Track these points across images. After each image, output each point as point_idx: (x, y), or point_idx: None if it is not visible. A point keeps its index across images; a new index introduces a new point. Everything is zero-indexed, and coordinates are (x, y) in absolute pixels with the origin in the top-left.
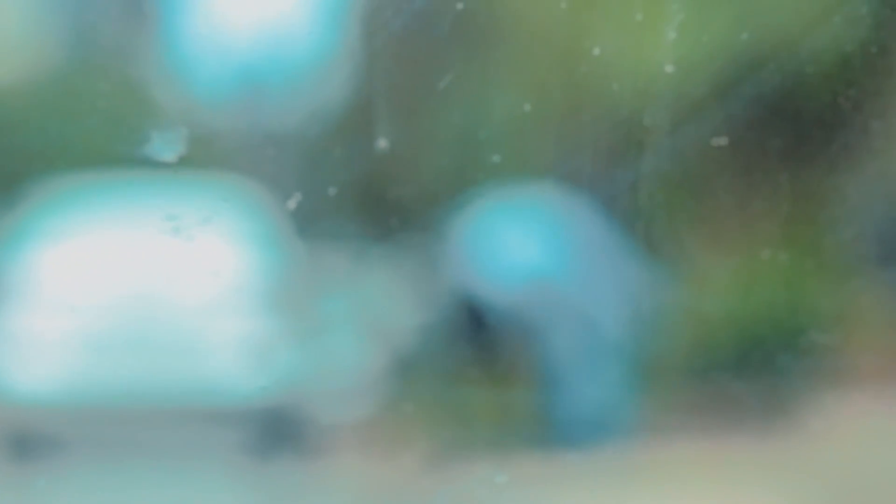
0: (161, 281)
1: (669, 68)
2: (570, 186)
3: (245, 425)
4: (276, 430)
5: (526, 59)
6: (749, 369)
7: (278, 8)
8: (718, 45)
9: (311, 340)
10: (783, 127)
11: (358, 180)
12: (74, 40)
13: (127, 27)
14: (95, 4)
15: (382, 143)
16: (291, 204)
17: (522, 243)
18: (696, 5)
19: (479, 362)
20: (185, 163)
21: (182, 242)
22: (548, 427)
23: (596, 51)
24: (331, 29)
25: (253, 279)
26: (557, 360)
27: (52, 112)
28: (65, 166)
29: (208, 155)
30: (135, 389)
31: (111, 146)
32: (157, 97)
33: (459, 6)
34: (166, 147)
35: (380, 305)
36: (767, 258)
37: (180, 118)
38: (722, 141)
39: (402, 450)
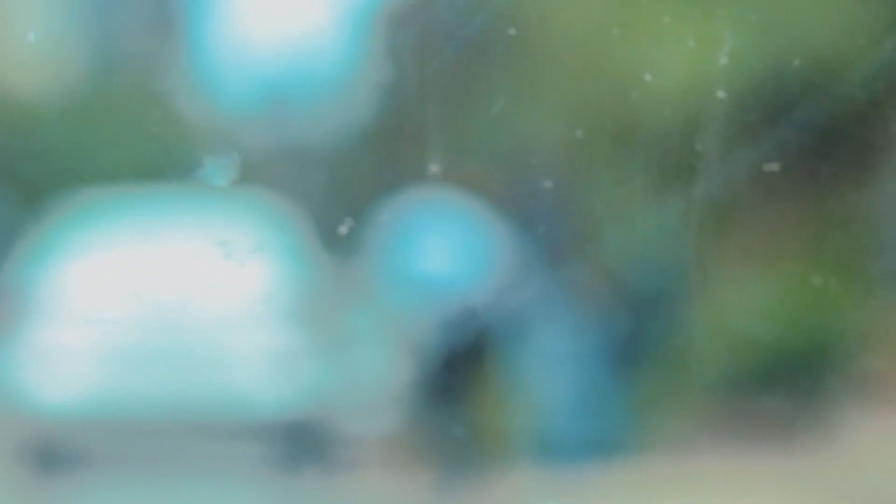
0: (190, 294)
1: (721, 94)
2: (621, 211)
3: (271, 438)
4: (302, 444)
5: (578, 85)
6: (785, 389)
7: (319, 25)
8: (770, 71)
9: (339, 354)
10: (834, 152)
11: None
12: (103, 56)
13: (156, 42)
14: (122, 20)
15: (434, 169)
16: (343, 229)
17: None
18: (747, 31)
19: (504, 380)
20: (235, 184)
21: (226, 264)
22: (568, 443)
23: (648, 76)
24: (371, 52)
25: (282, 294)
26: (562, 374)
27: (90, 127)
28: (102, 182)
29: (255, 177)
30: (162, 402)
31: (156, 166)
32: (201, 119)
33: (511, 32)
34: (219, 172)
35: (408, 322)
36: (818, 283)
37: (226, 140)
38: (773, 167)
39: (430, 466)
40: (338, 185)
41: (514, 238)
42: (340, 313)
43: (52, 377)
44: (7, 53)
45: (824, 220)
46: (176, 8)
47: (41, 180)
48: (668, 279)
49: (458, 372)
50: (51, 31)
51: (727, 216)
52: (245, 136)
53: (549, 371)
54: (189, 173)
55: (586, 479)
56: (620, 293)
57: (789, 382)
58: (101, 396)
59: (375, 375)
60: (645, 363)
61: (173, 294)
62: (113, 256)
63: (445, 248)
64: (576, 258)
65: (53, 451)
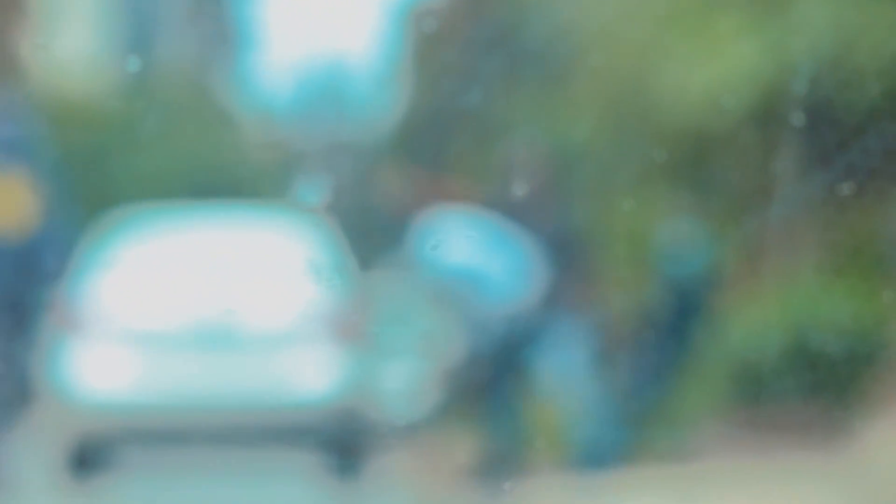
0: (241, 303)
1: (797, 119)
2: (702, 231)
3: (308, 433)
4: (337, 436)
5: (660, 112)
6: (844, 396)
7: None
8: (845, 98)
9: (376, 359)
10: None
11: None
12: (196, 83)
13: (215, 56)
14: (177, 33)
15: (517, 191)
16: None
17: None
18: (824, 59)
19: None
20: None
21: (305, 280)
22: (598, 447)
23: (727, 102)
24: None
25: (329, 305)
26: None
27: (186, 150)
28: (196, 199)
29: (338, 199)
30: (214, 398)
31: (252, 185)
32: (294, 144)
33: (596, 60)
34: (311, 192)
35: (439, 330)
36: (889, 300)
37: (314, 164)
38: (847, 188)
39: (456, 461)
40: (403, 208)
41: (574, 256)
42: (392, 323)
43: (114, 377)
44: (109, 80)
45: (892, 238)
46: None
47: (138, 198)
48: (732, 293)
49: (495, 378)
50: (149, 60)
51: (801, 235)
52: (322, 158)
53: (581, 379)
54: (283, 193)
55: (616, 482)
56: (689, 305)
57: (851, 391)
58: (153, 395)
59: (407, 377)
60: (710, 370)
61: (224, 302)
62: (194, 269)
63: (500, 265)
64: (651, 276)
65: (106, 447)
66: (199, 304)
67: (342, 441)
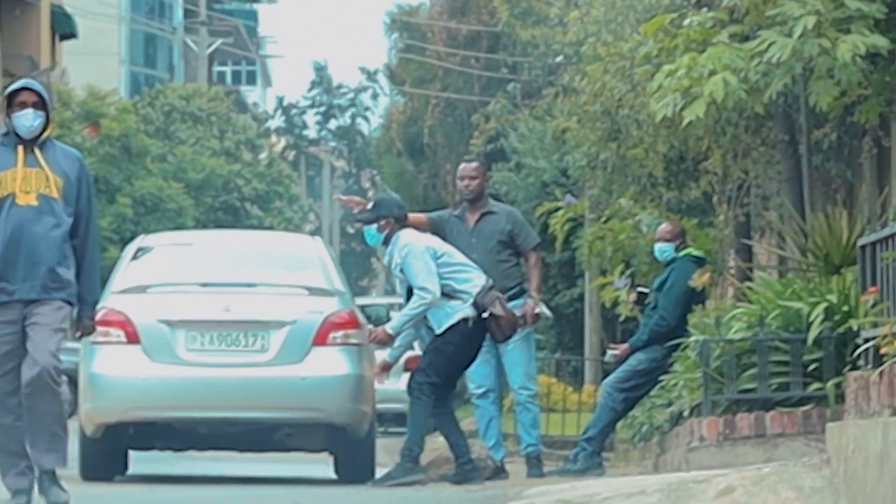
0: (250, 305)
1: (768, 134)
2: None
3: (315, 428)
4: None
5: (647, 127)
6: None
7: None
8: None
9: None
10: None
11: None
12: None
13: None
14: None
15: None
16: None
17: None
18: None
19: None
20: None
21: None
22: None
23: (705, 122)
24: None
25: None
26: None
27: None
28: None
29: None
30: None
31: None
32: None
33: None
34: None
35: None
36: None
37: None
38: (817, 196)
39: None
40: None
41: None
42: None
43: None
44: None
45: None
46: None
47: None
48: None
49: None
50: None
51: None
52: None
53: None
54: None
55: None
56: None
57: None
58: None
59: None
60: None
61: (255, 306)
62: (206, 277)
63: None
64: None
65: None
66: (211, 305)
67: (347, 436)
